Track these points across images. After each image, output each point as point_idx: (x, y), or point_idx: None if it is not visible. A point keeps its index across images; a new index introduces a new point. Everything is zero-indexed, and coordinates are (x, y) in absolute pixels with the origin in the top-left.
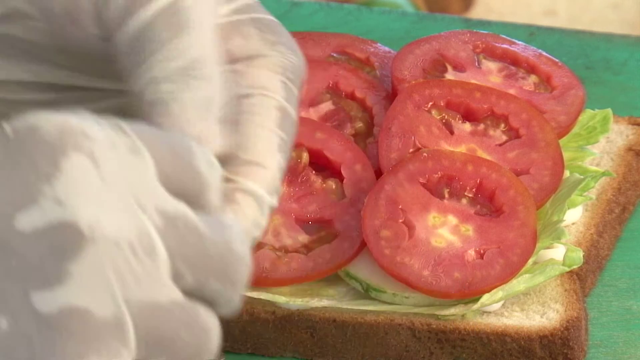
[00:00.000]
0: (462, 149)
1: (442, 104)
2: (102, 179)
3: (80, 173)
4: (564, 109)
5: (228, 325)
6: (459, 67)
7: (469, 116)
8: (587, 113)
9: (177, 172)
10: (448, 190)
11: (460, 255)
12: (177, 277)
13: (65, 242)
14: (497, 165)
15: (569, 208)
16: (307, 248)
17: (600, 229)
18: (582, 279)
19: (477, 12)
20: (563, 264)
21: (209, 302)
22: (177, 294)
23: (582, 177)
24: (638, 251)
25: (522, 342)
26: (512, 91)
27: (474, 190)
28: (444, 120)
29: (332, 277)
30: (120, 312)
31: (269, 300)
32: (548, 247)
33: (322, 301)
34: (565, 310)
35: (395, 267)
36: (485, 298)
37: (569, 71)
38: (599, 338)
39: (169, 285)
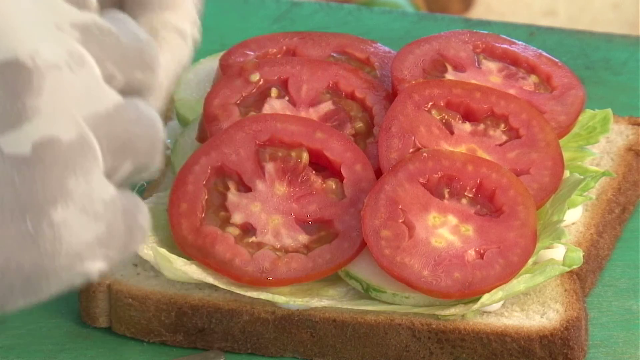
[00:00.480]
0: (462, 149)
1: (442, 104)
2: (22, 14)
3: (3, 14)
4: (564, 109)
5: (228, 326)
6: (459, 67)
7: (469, 116)
8: (587, 113)
9: None
10: (448, 190)
11: (460, 255)
12: (110, 80)
13: (15, 79)
14: (497, 165)
15: (569, 208)
16: (307, 248)
17: (600, 229)
18: (582, 279)
19: (477, 12)
20: (563, 264)
21: (138, 94)
22: (116, 96)
23: (582, 177)
24: (638, 251)
25: (522, 342)
26: (512, 91)
27: (474, 190)
28: (444, 120)
29: (332, 277)
30: (83, 130)
31: (269, 300)
32: (548, 247)
33: (322, 301)
34: (565, 310)
35: (395, 267)
36: (485, 298)
37: (569, 71)
38: (599, 338)
39: (108, 90)
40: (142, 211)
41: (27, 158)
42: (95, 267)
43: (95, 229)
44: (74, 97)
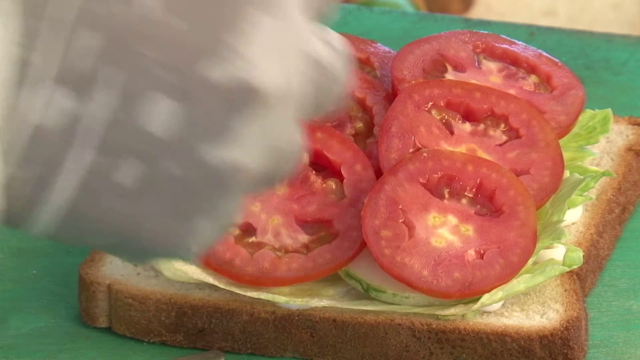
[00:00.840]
0: (462, 149)
1: (442, 104)
2: (274, 38)
3: (263, 31)
4: (564, 109)
5: (228, 326)
6: (459, 67)
7: (469, 116)
8: (587, 113)
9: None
10: (448, 190)
11: (460, 255)
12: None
13: (243, 99)
14: (497, 165)
15: (569, 208)
16: (307, 248)
17: (600, 229)
18: (582, 279)
19: (477, 12)
20: (563, 264)
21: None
22: (299, 135)
23: (582, 177)
24: (638, 251)
25: (522, 342)
26: (512, 91)
27: (474, 190)
28: (444, 120)
29: (332, 277)
30: (262, 164)
31: (269, 300)
32: (548, 247)
33: (322, 301)
34: (565, 310)
35: (395, 267)
36: (485, 298)
37: (569, 71)
38: (599, 338)
39: (297, 131)
40: None
41: (218, 173)
42: (194, 252)
43: (218, 233)
44: (274, 132)
